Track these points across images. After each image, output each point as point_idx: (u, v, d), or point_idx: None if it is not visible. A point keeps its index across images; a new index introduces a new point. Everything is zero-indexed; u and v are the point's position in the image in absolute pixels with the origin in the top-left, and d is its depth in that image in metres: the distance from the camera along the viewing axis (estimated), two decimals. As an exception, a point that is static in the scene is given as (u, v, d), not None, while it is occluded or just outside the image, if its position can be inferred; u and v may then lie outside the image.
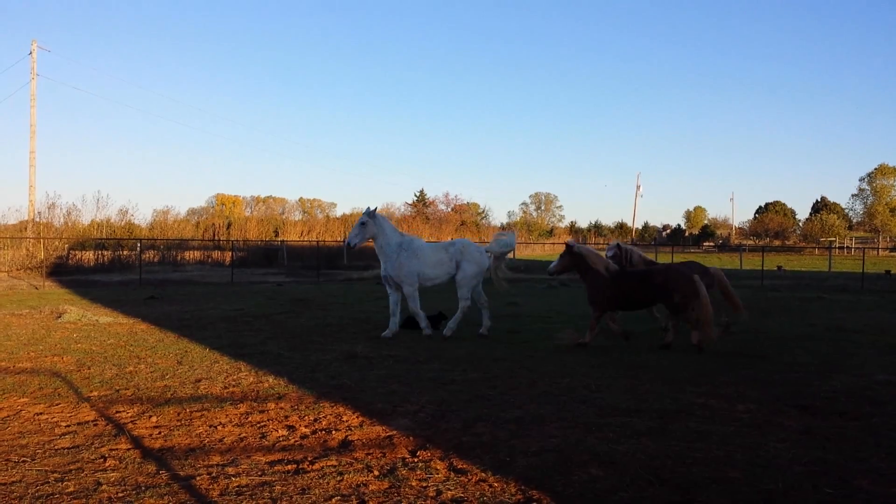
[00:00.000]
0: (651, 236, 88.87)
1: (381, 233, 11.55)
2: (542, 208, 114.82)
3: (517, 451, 5.29)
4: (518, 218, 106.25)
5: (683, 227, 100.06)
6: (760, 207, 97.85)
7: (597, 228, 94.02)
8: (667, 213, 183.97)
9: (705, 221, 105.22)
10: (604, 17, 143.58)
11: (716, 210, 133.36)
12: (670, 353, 9.91)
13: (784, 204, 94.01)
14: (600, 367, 8.85)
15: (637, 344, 10.78)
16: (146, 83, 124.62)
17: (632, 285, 10.66)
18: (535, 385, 7.73)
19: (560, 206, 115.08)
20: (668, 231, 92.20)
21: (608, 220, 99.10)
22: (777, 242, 77.15)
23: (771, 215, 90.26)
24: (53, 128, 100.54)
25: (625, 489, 4.49)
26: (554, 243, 69.44)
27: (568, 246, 11.16)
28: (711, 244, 74.89)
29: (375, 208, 11.70)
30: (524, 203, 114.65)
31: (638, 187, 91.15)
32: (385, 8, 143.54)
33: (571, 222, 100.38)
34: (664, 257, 39.71)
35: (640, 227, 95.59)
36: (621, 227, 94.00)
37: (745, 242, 72.91)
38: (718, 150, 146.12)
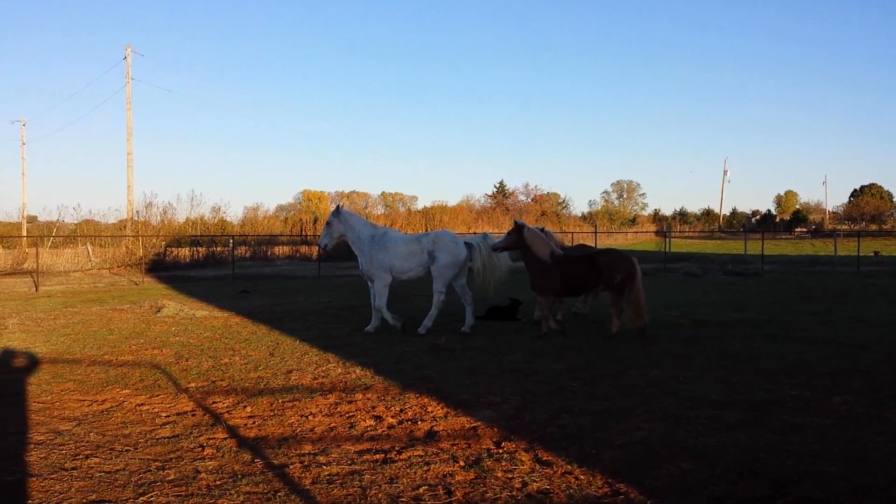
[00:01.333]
0: (739, 223, 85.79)
1: (349, 229, 11.49)
2: (625, 196, 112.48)
3: (603, 443, 5.26)
4: (599, 207, 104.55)
5: (774, 212, 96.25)
6: (855, 190, 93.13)
7: (682, 216, 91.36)
8: (756, 199, 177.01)
9: (797, 206, 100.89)
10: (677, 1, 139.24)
11: (808, 194, 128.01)
12: (763, 343, 9.61)
13: (880, 186, 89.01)
14: (688, 357, 8.66)
15: (726, 333, 10.50)
16: (235, 84, 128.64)
17: (576, 270, 10.52)
18: (621, 376, 7.64)
19: (643, 194, 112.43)
20: (758, 217, 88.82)
21: (694, 207, 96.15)
22: (873, 227, 73.17)
23: (866, 199, 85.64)
24: (149, 129, 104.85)
25: (716, 483, 4.40)
26: (637, 232, 68.08)
27: (517, 225, 10.86)
28: (804, 230, 71.70)
29: (339, 206, 11.71)
30: (605, 191, 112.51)
31: (725, 172, 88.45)
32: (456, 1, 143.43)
33: (655, 210, 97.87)
34: (754, 244, 38.30)
35: (728, 214, 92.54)
36: (708, 214, 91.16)
37: (839, 227, 69.63)
38: (810, 131, 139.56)
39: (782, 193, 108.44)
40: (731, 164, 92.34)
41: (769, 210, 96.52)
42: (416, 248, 11.33)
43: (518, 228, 10.73)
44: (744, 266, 27.17)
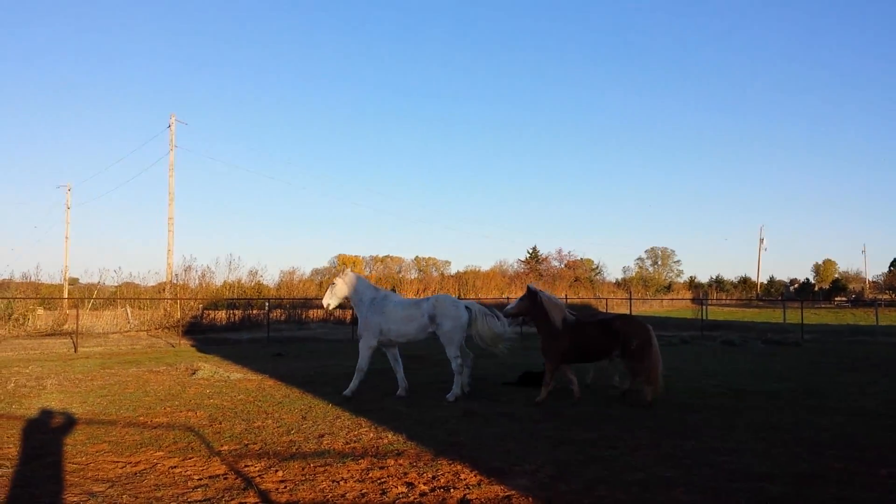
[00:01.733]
0: (778, 291, 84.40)
1: (353, 291, 11.69)
2: (659, 263, 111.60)
3: (640, 515, 5.12)
4: (634, 273, 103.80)
5: (812, 281, 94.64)
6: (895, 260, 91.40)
7: (718, 283, 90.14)
8: (794, 267, 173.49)
9: (836, 275, 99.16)
10: (716, 65, 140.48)
11: (847, 263, 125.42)
12: (805, 414, 9.34)
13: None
14: (728, 428, 8.45)
15: (767, 403, 10.23)
16: (273, 152, 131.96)
17: (590, 335, 10.41)
18: (658, 446, 7.47)
19: (678, 261, 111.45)
20: (797, 285, 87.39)
21: (730, 275, 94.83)
22: (915, 297, 71.45)
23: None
24: (189, 195, 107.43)
25: (758, 560, 4.25)
26: (673, 299, 67.28)
27: (530, 291, 10.77)
28: (844, 299, 70.18)
29: (347, 268, 11.88)
30: (640, 258, 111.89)
31: (761, 240, 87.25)
32: (488, 62, 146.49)
33: (691, 277, 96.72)
34: (793, 313, 37.58)
35: (766, 282, 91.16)
36: (745, 282, 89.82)
37: (880, 297, 68.05)
38: (848, 199, 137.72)
39: (820, 262, 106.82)
40: (767, 231, 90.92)
41: (807, 279, 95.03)
42: (415, 312, 11.37)
43: (532, 294, 10.70)
44: (783, 335, 26.61)
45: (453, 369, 11.12)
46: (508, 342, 11.74)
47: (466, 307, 11.46)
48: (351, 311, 37.82)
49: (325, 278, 67.39)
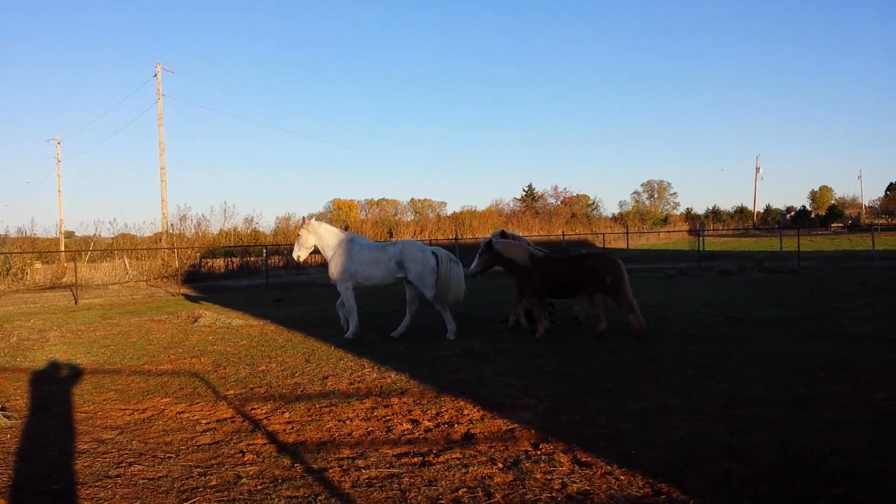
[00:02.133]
0: (774, 220, 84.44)
1: (318, 238, 11.87)
2: (656, 196, 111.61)
3: (642, 443, 5.21)
4: (630, 207, 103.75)
5: (809, 208, 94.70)
6: (892, 184, 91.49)
7: (715, 214, 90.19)
8: (790, 195, 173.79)
9: (832, 201, 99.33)
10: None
11: (843, 189, 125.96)
12: (802, 340, 9.45)
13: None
14: (725, 356, 8.56)
15: (764, 331, 10.35)
16: (264, 97, 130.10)
17: (561, 272, 10.55)
18: (657, 376, 7.57)
19: (674, 194, 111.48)
20: (793, 213, 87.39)
21: (727, 205, 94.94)
22: (912, 220, 71.65)
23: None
24: (181, 144, 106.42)
25: (759, 482, 4.34)
26: (669, 231, 67.38)
27: (486, 244, 10.91)
28: (840, 225, 70.40)
29: (305, 217, 12.17)
30: (636, 192, 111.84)
31: (757, 169, 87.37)
32: (481, 7, 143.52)
33: (687, 209, 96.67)
34: (790, 241, 37.72)
35: (762, 211, 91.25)
36: (741, 212, 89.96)
37: (876, 222, 68.17)
38: (843, 125, 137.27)
39: (817, 189, 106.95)
40: (763, 160, 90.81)
41: (804, 206, 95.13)
42: (381, 255, 11.45)
43: (488, 247, 10.79)
44: (780, 263, 26.75)
45: (445, 315, 11.25)
46: (458, 296, 11.77)
47: (433, 252, 11.54)
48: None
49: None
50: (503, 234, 12.29)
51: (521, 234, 12.34)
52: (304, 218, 11.95)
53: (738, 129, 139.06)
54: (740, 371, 7.67)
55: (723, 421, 5.73)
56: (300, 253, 11.98)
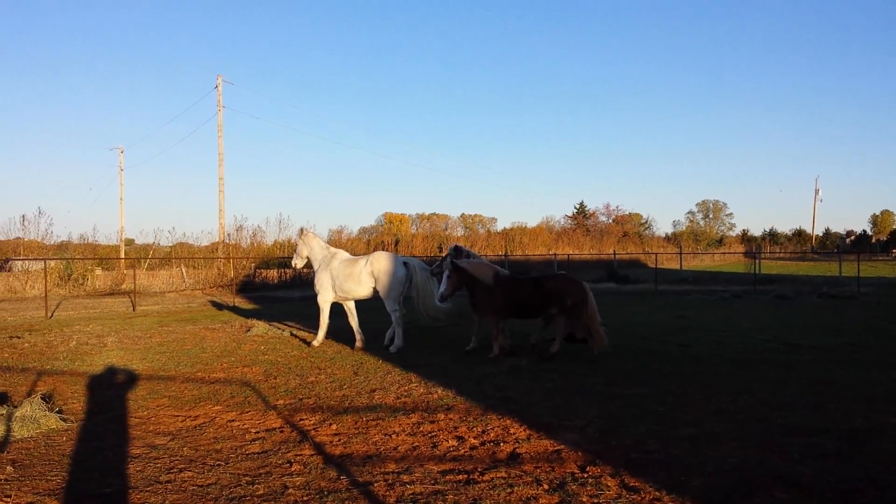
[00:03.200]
0: (833, 243, 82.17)
1: (309, 250, 12.40)
2: (711, 216, 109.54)
3: (692, 470, 5.11)
4: (684, 227, 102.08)
5: (869, 232, 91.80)
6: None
7: (772, 236, 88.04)
8: (850, 219, 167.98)
9: (894, 226, 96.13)
10: (767, 10, 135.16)
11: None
12: (860, 369, 9.15)
13: None
14: (781, 383, 8.33)
15: (821, 358, 10.05)
16: (320, 111, 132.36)
17: (524, 292, 10.48)
18: (709, 402, 7.41)
19: (730, 214, 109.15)
20: (853, 237, 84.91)
21: (784, 228, 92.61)
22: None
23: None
24: (238, 155, 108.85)
25: (813, 515, 4.21)
26: (724, 253, 66.08)
27: (453, 265, 10.70)
28: (902, 250, 68.11)
29: (303, 228, 12.60)
30: (691, 211, 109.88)
31: (817, 191, 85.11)
32: (542, 20, 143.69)
33: (743, 230, 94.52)
34: (849, 266, 36.60)
35: (821, 234, 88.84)
36: (799, 235, 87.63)
37: (941, 248, 65.73)
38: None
39: (878, 213, 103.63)
40: (823, 182, 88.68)
41: (864, 230, 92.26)
42: (353, 269, 11.72)
43: (456, 269, 10.65)
44: (839, 289, 25.93)
45: (394, 321, 11.52)
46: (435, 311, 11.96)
47: (404, 263, 11.77)
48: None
49: (372, 237, 67.96)
50: (457, 250, 12.35)
51: (480, 259, 12.16)
52: (301, 229, 12.49)
53: (798, 150, 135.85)
54: (796, 399, 7.46)
55: (777, 449, 5.58)
56: (297, 262, 12.70)
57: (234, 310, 21.65)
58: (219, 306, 23.30)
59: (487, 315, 10.73)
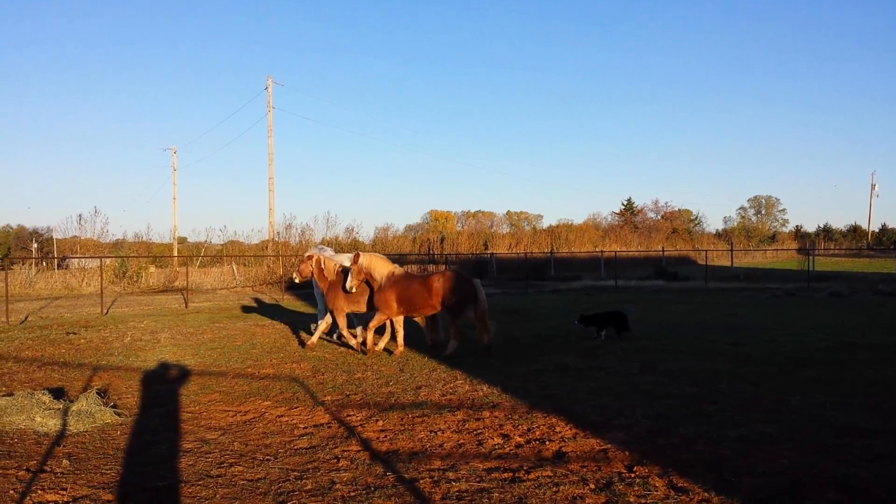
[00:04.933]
0: (890, 240, 79.51)
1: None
2: (763, 212, 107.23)
3: (743, 471, 5.02)
4: (735, 223, 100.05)
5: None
6: None
7: (826, 232, 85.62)
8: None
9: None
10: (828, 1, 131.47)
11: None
12: (921, 371, 8.86)
13: None
14: (834, 383, 8.13)
15: (876, 357, 9.76)
16: (366, 110, 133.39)
17: (412, 290, 10.67)
18: (761, 402, 7.27)
19: (783, 210, 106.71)
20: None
21: (839, 224, 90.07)
22: None
23: None
24: (288, 155, 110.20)
25: (868, 519, 4.10)
26: (777, 250, 64.60)
27: (355, 257, 11.11)
28: (963, 246, 65.61)
29: (358, 253, 11.95)
30: (742, 207, 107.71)
31: (873, 186, 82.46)
32: (589, 16, 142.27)
33: (797, 227, 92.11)
34: (910, 262, 35.47)
35: (877, 231, 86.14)
36: (854, 231, 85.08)
37: None
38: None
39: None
40: (879, 176, 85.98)
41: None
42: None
43: (355, 259, 11.09)
44: (895, 286, 25.19)
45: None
46: None
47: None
48: (444, 266, 38.30)
49: (417, 234, 68.20)
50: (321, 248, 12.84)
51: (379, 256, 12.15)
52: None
53: (853, 144, 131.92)
54: (850, 399, 7.27)
55: (830, 451, 5.44)
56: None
57: (284, 307, 21.94)
58: (268, 303, 23.65)
59: (380, 309, 11.04)
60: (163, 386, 8.83)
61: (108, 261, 32.14)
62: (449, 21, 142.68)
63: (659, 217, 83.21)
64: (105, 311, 19.69)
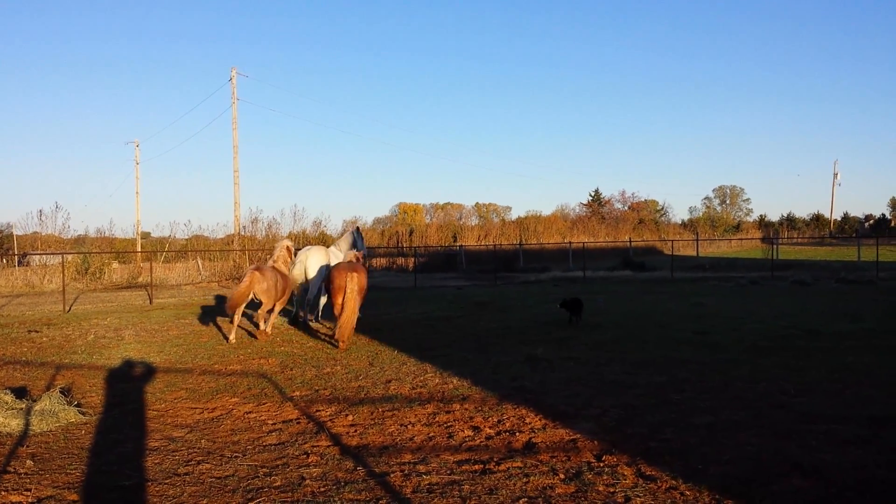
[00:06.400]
0: (852, 228, 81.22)
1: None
2: (728, 202, 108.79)
3: (710, 458, 5.08)
4: (701, 213, 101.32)
5: (889, 216, 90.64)
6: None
7: (790, 221, 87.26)
8: (869, 203, 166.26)
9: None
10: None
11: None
12: (879, 355, 9.06)
13: None
14: (799, 370, 8.27)
15: (839, 344, 9.96)
16: (333, 102, 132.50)
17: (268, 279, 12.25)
18: (727, 389, 7.37)
19: (747, 200, 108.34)
20: (872, 222, 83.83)
21: (802, 213, 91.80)
22: None
23: None
24: (253, 148, 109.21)
25: (831, 502, 4.17)
26: (742, 239, 65.57)
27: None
28: (923, 234, 67.24)
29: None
30: (707, 197, 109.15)
31: (835, 175, 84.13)
32: (555, 9, 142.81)
33: (761, 216, 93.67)
34: (868, 251, 36.17)
35: (840, 219, 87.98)
36: (817, 220, 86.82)
37: (964, 231, 64.83)
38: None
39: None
40: (841, 166, 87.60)
41: (884, 214, 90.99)
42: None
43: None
44: (857, 274, 25.70)
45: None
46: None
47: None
48: (413, 259, 38.28)
49: (386, 227, 68.02)
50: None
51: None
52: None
53: (816, 133, 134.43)
54: (814, 386, 7.40)
55: (795, 437, 5.53)
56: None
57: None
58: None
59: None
60: (128, 384, 8.69)
61: (69, 257, 31.53)
62: (415, 12, 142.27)
63: (626, 208, 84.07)
64: (68, 308, 19.32)
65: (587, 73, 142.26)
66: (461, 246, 46.24)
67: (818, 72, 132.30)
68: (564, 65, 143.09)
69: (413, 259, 38.82)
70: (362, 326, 13.48)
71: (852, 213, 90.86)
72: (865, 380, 7.62)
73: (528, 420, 6.38)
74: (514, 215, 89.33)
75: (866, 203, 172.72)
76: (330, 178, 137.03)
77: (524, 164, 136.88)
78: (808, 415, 6.22)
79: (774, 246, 37.68)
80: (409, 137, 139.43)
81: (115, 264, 35.92)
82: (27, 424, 6.51)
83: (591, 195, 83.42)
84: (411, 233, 55.28)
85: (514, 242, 48.39)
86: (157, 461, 5.47)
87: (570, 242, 45.33)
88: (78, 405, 7.24)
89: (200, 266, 34.20)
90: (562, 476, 4.82)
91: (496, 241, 48.68)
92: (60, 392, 7.38)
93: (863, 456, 4.99)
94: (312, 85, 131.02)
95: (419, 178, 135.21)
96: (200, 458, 5.54)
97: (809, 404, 6.60)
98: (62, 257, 26.70)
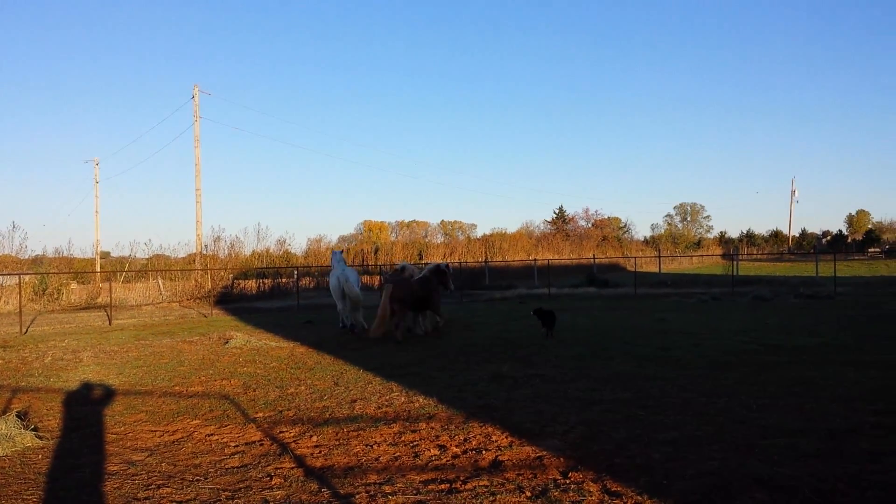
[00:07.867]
0: (810, 244, 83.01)
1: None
2: (689, 219, 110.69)
3: (674, 473, 5.11)
4: (662, 230, 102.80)
5: (845, 232, 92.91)
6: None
7: (749, 238, 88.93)
8: (826, 219, 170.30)
9: (869, 226, 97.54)
10: (740, 12, 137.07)
11: (881, 213, 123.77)
12: (838, 369, 9.24)
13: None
14: (759, 385, 8.39)
15: (799, 359, 10.13)
16: (297, 120, 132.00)
17: None
18: (690, 405, 7.44)
19: (708, 217, 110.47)
20: (829, 238, 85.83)
21: (761, 229, 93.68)
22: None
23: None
24: (216, 166, 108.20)
25: (793, 516, 4.22)
26: (703, 255, 66.60)
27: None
28: (878, 250, 68.92)
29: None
30: (669, 214, 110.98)
31: (793, 192, 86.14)
32: (519, 27, 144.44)
33: (721, 232, 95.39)
34: (825, 266, 36.98)
35: (798, 235, 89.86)
36: (776, 236, 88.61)
37: (917, 246, 66.67)
38: (881, 148, 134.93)
39: (854, 213, 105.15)
40: (799, 183, 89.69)
41: (840, 230, 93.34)
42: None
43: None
44: (816, 289, 26.25)
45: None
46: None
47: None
48: (379, 277, 38.11)
49: (351, 245, 67.74)
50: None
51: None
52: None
53: (774, 152, 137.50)
54: (775, 400, 7.51)
55: (757, 451, 5.60)
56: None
57: (213, 322, 21.44)
58: (196, 319, 23.07)
59: None
60: (86, 407, 8.49)
61: (26, 277, 30.78)
62: (381, 31, 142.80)
63: (590, 225, 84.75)
64: (24, 329, 18.86)
65: (551, 91, 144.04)
66: (427, 264, 46.04)
67: (776, 90, 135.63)
68: (529, 83, 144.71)
69: (379, 277, 38.63)
70: (327, 346, 13.41)
71: (810, 230, 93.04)
72: (824, 393, 7.75)
73: (494, 438, 6.37)
74: (479, 233, 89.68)
75: (823, 219, 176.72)
76: (294, 197, 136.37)
77: (489, 182, 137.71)
78: (770, 429, 6.31)
79: (735, 262, 38.33)
80: (374, 155, 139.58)
81: (74, 285, 35.15)
82: (-20, 450, 6.31)
83: (555, 212, 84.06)
84: (377, 251, 55.04)
85: (480, 260, 48.49)
86: (116, 486, 5.34)
87: (535, 259, 45.59)
88: (35, 429, 7.06)
89: (161, 286, 33.65)
90: (528, 494, 4.81)
91: (462, 259, 48.72)
92: (17, 416, 7.20)
93: (823, 469, 5.06)
94: (276, 103, 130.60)
95: (384, 196, 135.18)
96: (161, 482, 5.42)
97: (770, 418, 6.70)
98: (19, 278, 26.07)
